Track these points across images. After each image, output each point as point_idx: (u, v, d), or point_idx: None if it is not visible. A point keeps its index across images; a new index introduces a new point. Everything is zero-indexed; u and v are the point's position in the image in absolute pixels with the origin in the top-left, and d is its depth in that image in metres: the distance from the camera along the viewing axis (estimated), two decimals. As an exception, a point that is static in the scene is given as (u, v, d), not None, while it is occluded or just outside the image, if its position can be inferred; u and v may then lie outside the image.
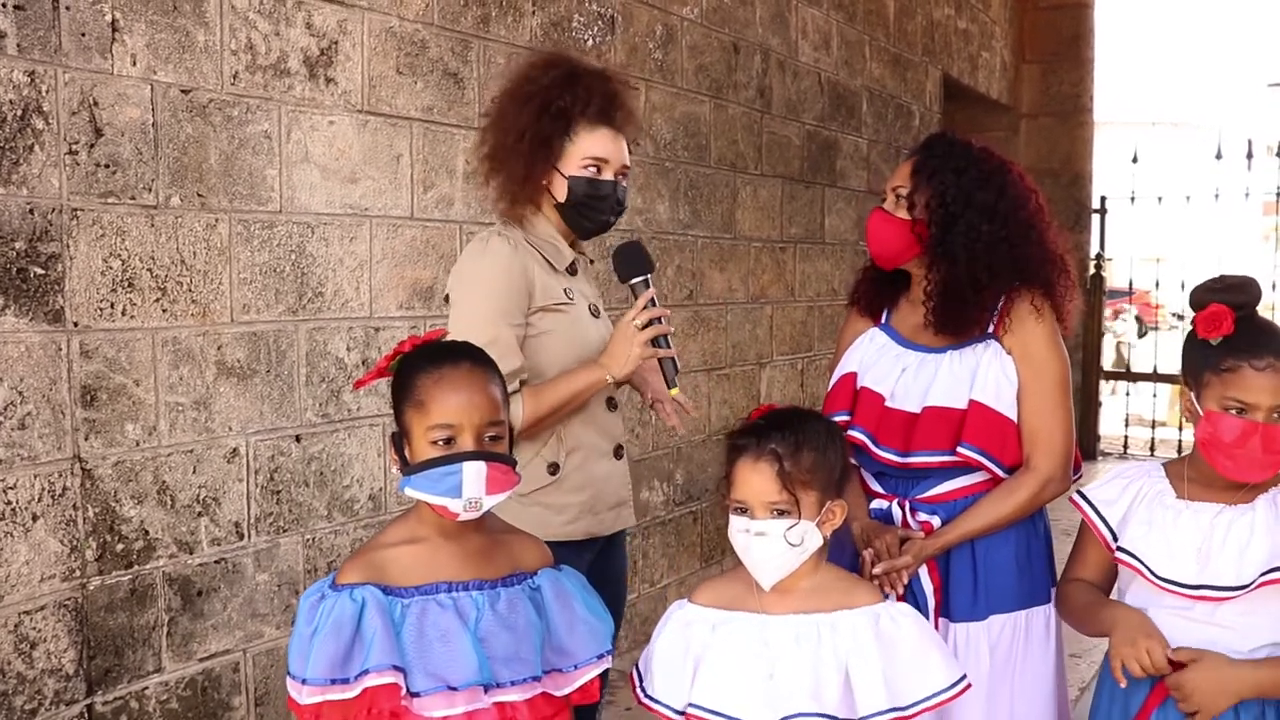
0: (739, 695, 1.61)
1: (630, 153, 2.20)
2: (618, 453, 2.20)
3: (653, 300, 2.08)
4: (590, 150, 2.11)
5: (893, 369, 2.14)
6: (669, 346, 2.09)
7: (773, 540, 1.60)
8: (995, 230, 2.06)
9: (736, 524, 1.63)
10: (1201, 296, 1.79)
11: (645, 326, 2.05)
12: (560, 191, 2.12)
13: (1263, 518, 1.74)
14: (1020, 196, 2.11)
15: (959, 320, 2.07)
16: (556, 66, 2.16)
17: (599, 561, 2.16)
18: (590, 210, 2.13)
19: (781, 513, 1.61)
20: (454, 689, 1.49)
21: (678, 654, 1.68)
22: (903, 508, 2.08)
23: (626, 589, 2.38)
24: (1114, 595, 1.93)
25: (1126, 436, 8.27)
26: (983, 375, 2.05)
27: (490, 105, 2.26)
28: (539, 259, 2.11)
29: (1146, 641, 1.71)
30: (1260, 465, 1.71)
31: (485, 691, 1.51)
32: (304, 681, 1.46)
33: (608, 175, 2.13)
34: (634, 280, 2.10)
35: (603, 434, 2.17)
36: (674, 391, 2.12)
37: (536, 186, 2.13)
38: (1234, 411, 1.71)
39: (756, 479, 1.62)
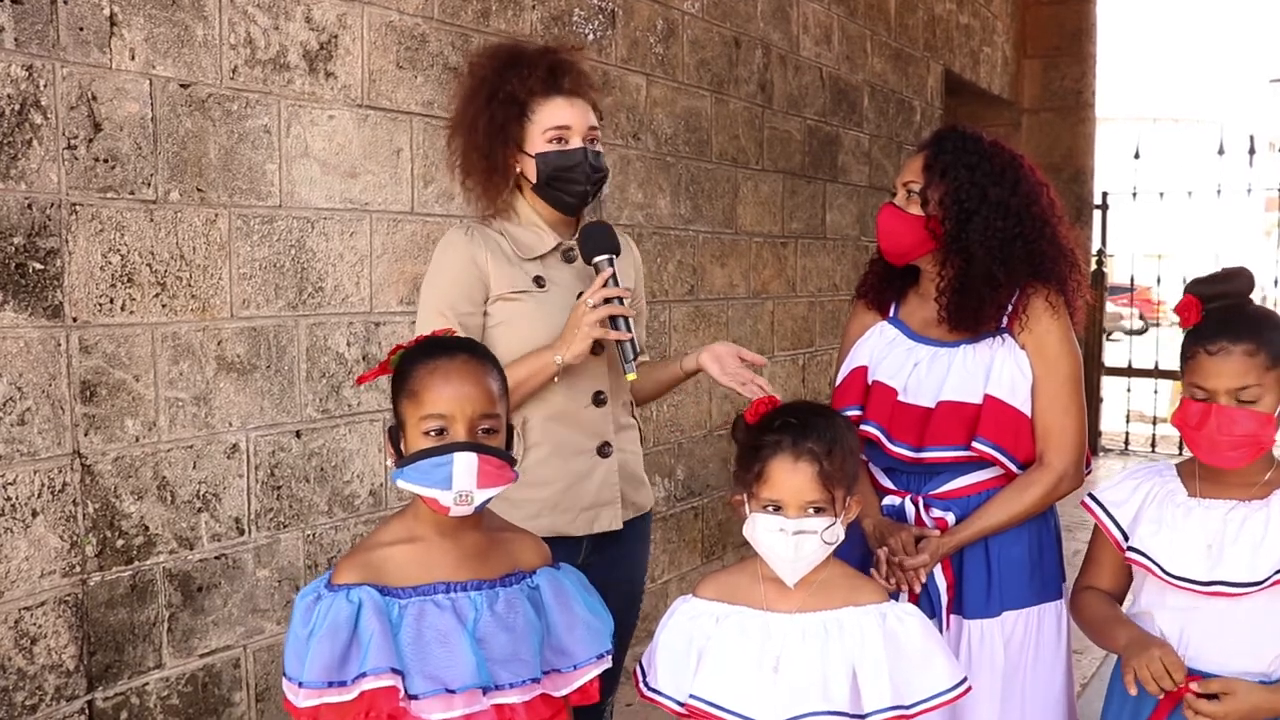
0: (741, 688, 1.61)
1: (599, 118, 2.16)
2: (603, 451, 2.12)
3: (614, 281, 2.02)
4: (549, 122, 2.08)
5: (904, 363, 2.13)
6: (629, 329, 2.02)
7: (810, 539, 1.60)
8: (1010, 226, 2.05)
9: (769, 523, 1.61)
10: (1186, 289, 1.81)
11: (600, 306, 1.99)
12: (532, 172, 2.09)
13: (1278, 513, 1.73)
14: (1033, 191, 2.10)
15: (974, 316, 2.06)
16: (498, 54, 2.14)
17: (600, 565, 2.09)
18: (564, 182, 2.09)
19: (819, 511, 1.61)
20: (452, 691, 1.47)
21: (681, 646, 1.68)
22: (915, 504, 2.07)
23: (634, 598, 2.28)
24: (1130, 598, 1.92)
25: (1128, 433, 8.27)
26: (998, 370, 2.05)
27: (451, 115, 2.24)
28: (500, 249, 2.08)
29: (1159, 650, 1.70)
30: (1223, 447, 1.72)
31: (484, 693, 1.49)
32: (300, 684, 1.45)
33: (575, 143, 2.09)
34: (596, 259, 2.06)
35: (581, 430, 2.10)
36: (630, 376, 2.05)
37: (506, 175, 2.11)
38: (1198, 397, 1.74)
39: (796, 479, 1.61)
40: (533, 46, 2.18)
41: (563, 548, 2.03)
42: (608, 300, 2.00)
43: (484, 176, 2.11)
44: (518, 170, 2.11)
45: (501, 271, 2.07)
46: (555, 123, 2.08)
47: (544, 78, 2.08)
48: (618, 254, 2.08)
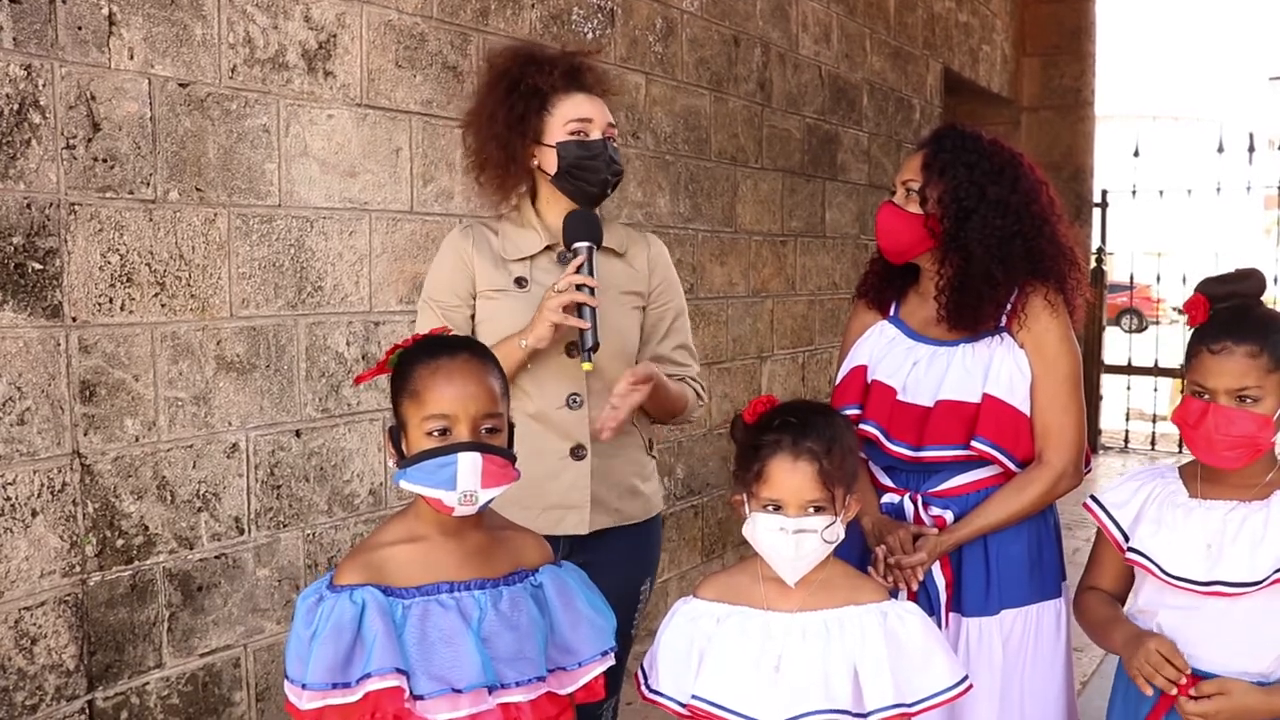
0: (743, 688, 1.61)
1: (614, 123, 2.16)
2: (576, 453, 2.09)
3: (589, 270, 2.01)
4: (571, 114, 2.09)
5: (904, 362, 2.13)
6: (593, 321, 1.99)
7: (810, 538, 1.60)
8: (1009, 225, 2.05)
9: (769, 522, 1.61)
10: (1196, 288, 1.82)
11: (565, 293, 1.97)
12: (550, 163, 2.10)
13: (1278, 514, 1.72)
14: (1032, 189, 2.10)
15: (973, 315, 2.06)
16: (518, 53, 2.16)
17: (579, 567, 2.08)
18: (586, 172, 2.09)
19: (819, 509, 1.61)
20: (458, 691, 1.47)
21: (682, 647, 1.68)
22: (914, 502, 2.07)
23: (623, 605, 2.16)
24: (1130, 598, 1.92)
25: (1127, 431, 8.27)
26: (996, 369, 2.05)
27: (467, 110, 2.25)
28: (489, 248, 2.12)
29: (1154, 643, 1.70)
30: (1220, 447, 1.72)
31: (489, 693, 1.49)
32: (304, 686, 1.44)
33: (595, 136, 2.10)
34: (576, 245, 2.05)
35: (552, 430, 2.09)
36: (586, 366, 2.02)
37: (523, 168, 2.12)
38: (1198, 395, 1.74)
39: (796, 478, 1.61)
40: (554, 48, 2.20)
41: None
42: (579, 289, 1.98)
43: (500, 169, 2.13)
44: (534, 164, 2.12)
45: (485, 270, 2.11)
46: (577, 115, 2.09)
47: (566, 74, 2.11)
48: (598, 244, 2.07)
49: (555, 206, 2.14)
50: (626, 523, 2.17)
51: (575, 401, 2.10)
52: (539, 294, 2.07)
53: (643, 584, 2.25)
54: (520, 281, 2.11)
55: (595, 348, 2.01)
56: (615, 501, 2.15)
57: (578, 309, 1.99)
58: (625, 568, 2.19)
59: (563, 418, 2.10)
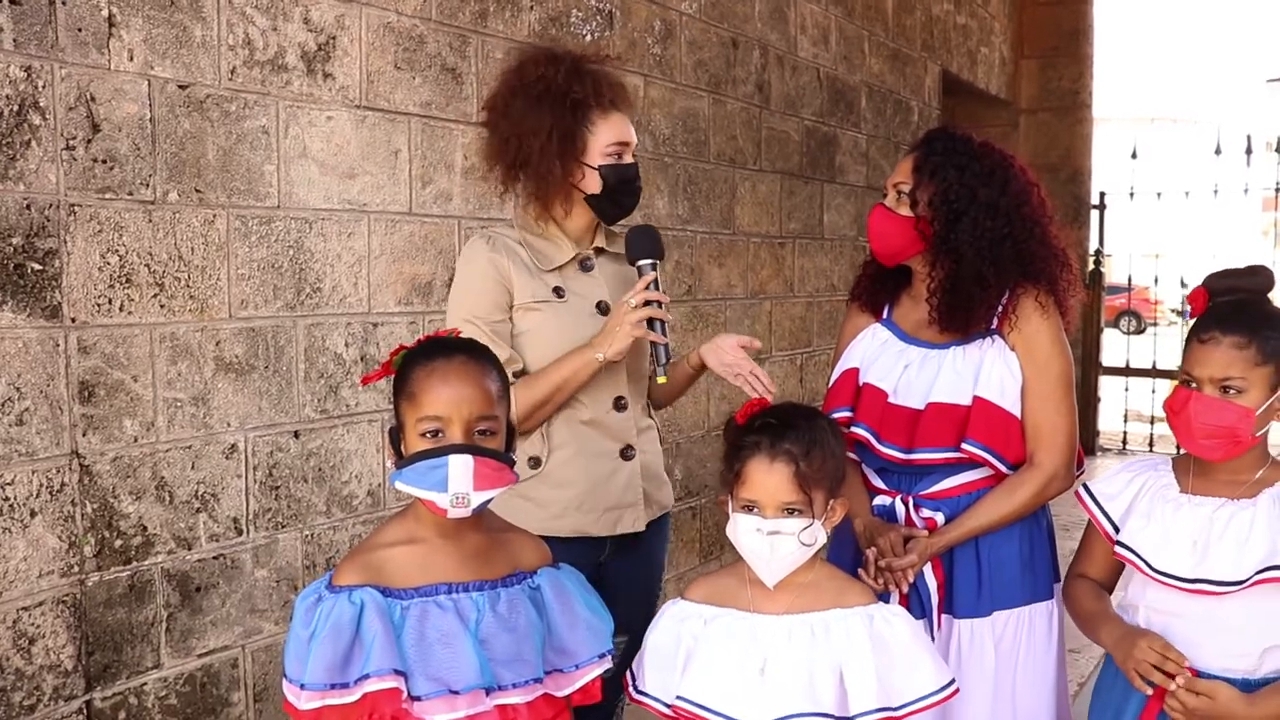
0: (728, 690, 1.61)
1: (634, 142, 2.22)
2: (626, 454, 2.17)
3: (656, 285, 2.07)
4: (612, 137, 2.12)
5: (895, 365, 2.14)
6: (665, 334, 2.08)
7: (786, 540, 1.60)
8: (999, 227, 2.06)
9: (746, 523, 1.62)
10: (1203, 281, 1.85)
11: (641, 308, 2.05)
12: (592, 184, 2.12)
13: (1264, 513, 1.73)
14: (1022, 191, 2.11)
15: (964, 317, 2.07)
16: (560, 60, 2.14)
17: (622, 564, 2.16)
18: (622, 195, 2.15)
19: (795, 512, 1.61)
20: (455, 692, 1.47)
21: (669, 648, 1.68)
22: (906, 504, 2.08)
23: (654, 594, 2.30)
24: (1119, 589, 1.93)
25: (1125, 432, 8.28)
26: (987, 371, 2.05)
27: (492, 108, 2.20)
28: (521, 259, 2.12)
29: (1146, 640, 1.71)
30: (1198, 435, 1.73)
31: (487, 694, 1.50)
32: (303, 686, 1.45)
33: (629, 158, 2.15)
34: (641, 262, 2.10)
35: (604, 433, 2.15)
36: (662, 380, 2.11)
37: (564, 182, 2.13)
38: (1186, 384, 1.76)
39: (773, 479, 1.61)
40: (585, 54, 2.20)
41: (587, 547, 2.09)
42: (648, 304, 2.05)
43: (550, 183, 2.12)
44: (574, 180, 2.12)
45: (523, 281, 2.11)
46: (618, 138, 2.13)
47: (609, 92, 2.13)
48: (661, 259, 2.12)
49: (578, 217, 2.17)
50: (663, 512, 2.28)
51: (621, 404, 2.17)
52: (576, 303, 2.13)
53: (664, 570, 2.36)
54: (559, 291, 2.13)
55: (669, 360, 2.11)
56: (655, 494, 2.25)
57: (649, 324, 2.05)
58: (657, 557, 2.31)
59: (613, 420, 2.16)
